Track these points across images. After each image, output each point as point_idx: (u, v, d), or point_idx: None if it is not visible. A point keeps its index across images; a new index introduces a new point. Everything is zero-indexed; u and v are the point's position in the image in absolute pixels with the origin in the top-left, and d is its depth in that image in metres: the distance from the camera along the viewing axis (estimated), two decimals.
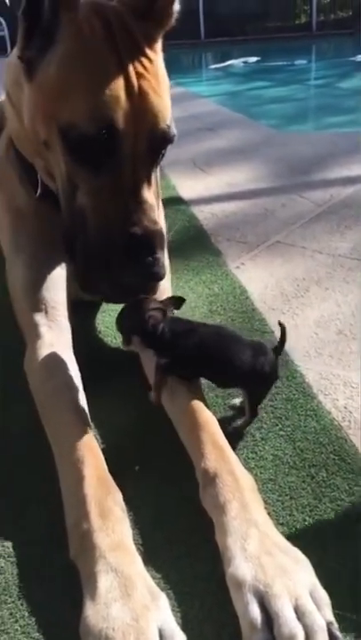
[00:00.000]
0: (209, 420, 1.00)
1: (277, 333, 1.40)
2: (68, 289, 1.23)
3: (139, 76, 0.97)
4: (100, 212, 1.00)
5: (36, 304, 1.17)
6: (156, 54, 1.04)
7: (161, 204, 1.38)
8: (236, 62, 8.72)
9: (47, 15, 0.98)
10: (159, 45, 1.07)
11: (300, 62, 8.57)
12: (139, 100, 0.96)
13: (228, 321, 1.49)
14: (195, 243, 1.99)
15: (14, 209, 1.25)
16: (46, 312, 1.16)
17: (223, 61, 8.90)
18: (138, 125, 0.97)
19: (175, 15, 1.06)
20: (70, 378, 1.07)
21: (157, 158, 1.05)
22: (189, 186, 2.63)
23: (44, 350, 1.12)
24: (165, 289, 1.28)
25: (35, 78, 1.02)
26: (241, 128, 3.92)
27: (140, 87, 0.97)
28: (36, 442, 1.05)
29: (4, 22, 11.45)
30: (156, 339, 1.02)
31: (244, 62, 8.70)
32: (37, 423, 1.06)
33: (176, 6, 1.06)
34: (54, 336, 1.14)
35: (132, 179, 0.99)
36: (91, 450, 0.93)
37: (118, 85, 0.95)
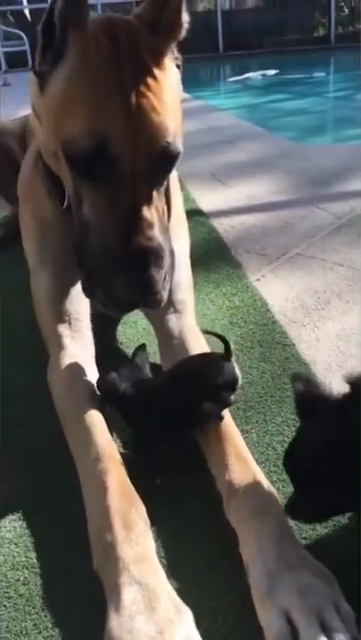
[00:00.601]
0: (232, 432, 1.00)
1: (299, 346, 1.41)
2: (91, 301, 1.24)
3: (139, 94, 0.96)
4: (99, 226, 1.01)
5: (60, 315, 1.18)
6: (164, 69, 1.02)
7: (182, 216, 1.39)
8: (255, 75, 8.75)
9: (58, 32, 1.00)
10: (169, 59, 1.05)
11: (319, 75, 8.57)
12: (137, 119, 0.96)
13: (249, 333, 1.49)
14: (215, 255, 2.00)
15: (41, 220, 1.27)
16: (70, 323, 1.18)
17: (242, 74, 8.93)
18: (135, 144, 0.96)
19: (185, 26, 1.05)
20: (93, 389, 1.08)
21: (160, 176, 1.04)
22: (209, 198, 2.64)
23: (66, 361, 1.13)
24: (188, 302, 1.29)
25: (46, 92, 1.04)
26: (260, 141, 3.93)
27: (138, 106, 0.96)
28: (59, 452, 1.06)
29: (24, 37, 11.64)
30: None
31: (263, 75, 8.73)
32: (60, 432, 1.07)
33: (185, 17, 1.04)
34: (77, 347, 1.16)
35: (130, 196, 0.98)
36: (114, 461, 0.94)
37: (116, 104, 0.95)
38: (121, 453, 0.99)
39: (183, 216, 1.40)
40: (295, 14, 14.55)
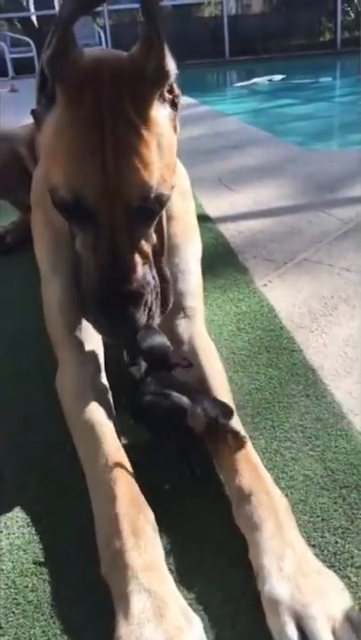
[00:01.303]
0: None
1: (306, 351, 1.41)
2: None
3: (119, 152, 0.96)
4: (85, 263, 1.05)
5: (71, 322, 1.19)
6: (149, 120, 0.99)
7: (193, 223, 1.39)
8: (261, 80, 8.76)
9: (49, 79, 1.00)
10: (158, 103, 1.02)
11: (325, 79, 8.58)
12: (113, 177, 0.96)
13: (257, 339, 1.49)
14: (221, 260, 2.00)
15: (54, 229, 1.27)
16: (80, 330, 1.18)
17: (248, 79, 8.94)
18: (112, 201, 0.98)
19: (173, 74, 1.02)
20: (101, 397, 1.08)
21: (143, 225, 1.04)
22: (215, 204, 2.64)
23: (76, 367, 1.14)
24: (198, 308, 1.30)
25: (41, 132, 1.06)
26: (266, 146, 3.94)
27: (116, 165, 0.96)
28: (67, 458, 1.06)
29: (32, 43, 11.72)
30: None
31: (270, 80, 8.74)
32: (67, 438, 1.07)
33: (171, 65, 1.00)
34: (87, 354, 1.16)
35: (110, 244, 1.00)
36: (122, 468, 0.94)
37: (93, 163, 0.96)
38: (130, 459, 0.99)
39: (195, 223, 1.41)
40: (301, 19, 14.61)
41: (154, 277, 1.08)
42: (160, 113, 1.02)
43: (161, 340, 1.12)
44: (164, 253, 1.12)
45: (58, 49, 0.94)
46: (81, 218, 1.02)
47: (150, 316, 1.07)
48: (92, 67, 0.99)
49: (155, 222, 1.07)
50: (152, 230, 1.07)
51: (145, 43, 0.97)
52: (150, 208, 1.01)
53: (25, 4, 15.66)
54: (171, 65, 1.00)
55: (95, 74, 0.98)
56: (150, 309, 1.06)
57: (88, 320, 1.10)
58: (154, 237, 1.08)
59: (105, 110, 0.96)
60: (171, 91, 1.06)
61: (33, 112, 1.07)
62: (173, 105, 1.07)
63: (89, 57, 1.00)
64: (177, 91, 1.08)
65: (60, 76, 0.97)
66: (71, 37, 0.95)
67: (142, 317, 1.04)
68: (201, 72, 10.81)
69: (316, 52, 12.79)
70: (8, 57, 12.02)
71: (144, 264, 1.05)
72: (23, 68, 11.68)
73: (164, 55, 0.98)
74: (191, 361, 1.14)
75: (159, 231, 1.10)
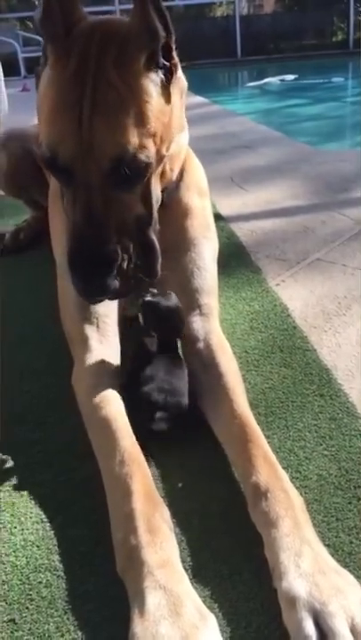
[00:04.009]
0: (258, 435, 1.00)
1: (320, 351, 1.41)
2: (118, 303, 1.24)
3: (95, 110, 0.97)
4: (68, 218, 1.06)
5: (88, 318, 1.19)
6: (131, 83, 1.00)
7: (209, 221, 1.39)
8: (274, 80, 8.74)
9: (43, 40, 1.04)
10: (146, 68, 1.02)
11: (338, 79, 8.55)
12: (86, 135, 0.97)
13: (270, 338, 1.48)
14: (234, 260, 2.00)
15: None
16: (98, 326, 1.18)
17: (260, 79, 8.93)
18: (85, 159, 0.99)
19: (162, 37, 1.02)
20: (117, 394, 1.08)
21: (121, 189, 1.03)
22: (228, 203, 2.64)
23: (93, 363, 1.14)
24: (213, 306, 1.30)
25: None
26: (278, 145, 3.93)
27: (90, 123, 0.97)
28: (80, 455, 1.07)
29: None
30: None
31: (282, 80, 8.72)
32: (81, 435, 1.08)
33: (157, 25, 1.00)
34: (103, 349, 1.17)
35: (84, 203, 1.01)
36: (138, 465, 0.94)
37: (68, 120, 0.98)
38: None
39: (211, 220, 1.41)
40: (313, 19, 14.55)
41: (137, 245, 1.07)
42: (149, 78, 1.02)
43: (174, 301, 1.18)
44: (151, 222, 1.10)
45: (45, 9, 0.99)
46: (63, 175, 1.03)
47: (125, 284, 1.06)
48: (86, 30, 1.02)
49: (135, 189, 1.05)
50: (135, 198, 1.06)
51: (134, 5, 0.99)
52: (126, 171, 1.00)
53: (37, 3, 15.69)
54: (156, 23, 1.00)
55: (87, 37, 1.01)
56: (126, 277, 1.05)
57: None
58: (139, 206, 1.07)
59: (88, 70, 0.98)
60: (169, 58, 1.05)
61: (34, 71, 1.11)
62: (171, 73, 1.06)
63: (89, 22, 1.03)
64: (176, 59, 1.07)
65: (51, 36, 1.01)
66: (69, 2, 1.00)
67: (114, 282, 1.03)
68: (213, 72, 10.80)
69: (329, 51, 12.74)
70: (20, 56, 12.05)
71: (123, 231, 1.04)
72: (35, 67, 11.71)
73: (149, 14, 0.98)
74: (207, 358, 1.15)
75: (146, 197, 1.08)
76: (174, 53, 1.06)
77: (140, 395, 1.09)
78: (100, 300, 1.11)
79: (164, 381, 1.12)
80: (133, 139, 0.99)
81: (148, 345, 1.17)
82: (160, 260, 1.11)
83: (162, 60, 1.04)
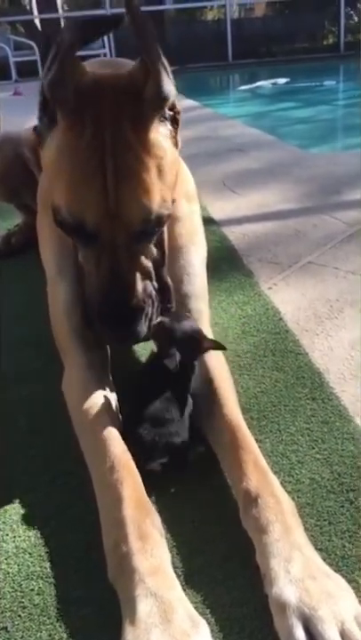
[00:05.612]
0: (249, 441, 1.00)
1: (312, 354, 1.41)
2: None
3: (119, 177, 0.98)
4: (88, 276, 1.08)
5: (77, 326, 1.19)
6: (148, 143, 1.01)
7: (198, 226, 1.39)
8: (266, 83, 8.76)
9: (50, 102, 1.01)
10: (158, 123, 1.03)
11: (329, 83, 8.57)
12: (114, 202, 0.98)
13: (262, 342, 1.49)
14: (226, 263, 2.00)
15: (60, 232, 1.27)
16: (86, 334, 1.18)
17: (252, 83, 8.95)
18: (113, 224, 1.00)
19: (172, 97, 1.02)
20: (107, 399, 1.08)
21: (144, 244, 1.07)
22: (220, 206, 2.64)
23: (82, 371, 1.14)
24: (204, 311, 1.30)
25: (43, 150, 1.08)
26: (270, 149, 3.94)
27: (117, 191, 0.98)
28: (73, 461, 1.06)
29: (35, 46, 11.73)
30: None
31: (273, 83, 8.75)
32: (74, 441, 1.07)
33: (169, 87, 1.00)
34: (93, 357, 1.16)
35: (111, 262, 1.03)
36: (129, 471, 0.93)
37: (93, 190, 0.98)
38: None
39: (200, 225, 1.41)
40: (305, 22, 14.63)
41: (154, 287, 1.10)
42: (160, 133, 1.04)
43: (190, 323, 1.15)
44: (164, 263, 1.14)
45: (58, 76, 0.96)
46: (83, 237, 1.04)
47: (150, 325, 1.09)
48: (92, 90, 1.00)
49: (155, 238, 1.09)
50: (152, 244, 1.09)
51: (142, 64, 0.99)
52: (148, 233, 1.04)
53: (28, 7, 15.71)
54: (168, 87, 1.00)
55: (95, 98, 1.00)
56: (150, 319, 1.09)
57: (91, 330, 1.12)
58: (154, 251, 1.10)
59: (105, 136, 0.98)
60: (172, 107, 1.07)
61: (35, 129, 1.10)
62: (175, 121, 1.08)
63: (90, 78, 1.01)
64: (178, 107, 1.09)
65: (61, 100, 0.99)
66: (74, 63, 0.98)
67: (143, 328, 1.07)
68: (205, 75, 10.82)
69: (320, 55, 12.80)
70: (11, 60, 12.04)
71: (145, 279, 1.07)
72: (26, 71, 11.70)
73: (161, 79, 0.98)
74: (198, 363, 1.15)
75: (160, 242, 1.11)
76: (176, 102, 1.07)
77: (134, 436, 1.05)
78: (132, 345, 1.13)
79: (160, 421, 1.06)
80: (157, 197, 1.01)
81: (169, 365, 1.09)
82: (173, 293, 1.16)
83: (168, 111, 1.06)
